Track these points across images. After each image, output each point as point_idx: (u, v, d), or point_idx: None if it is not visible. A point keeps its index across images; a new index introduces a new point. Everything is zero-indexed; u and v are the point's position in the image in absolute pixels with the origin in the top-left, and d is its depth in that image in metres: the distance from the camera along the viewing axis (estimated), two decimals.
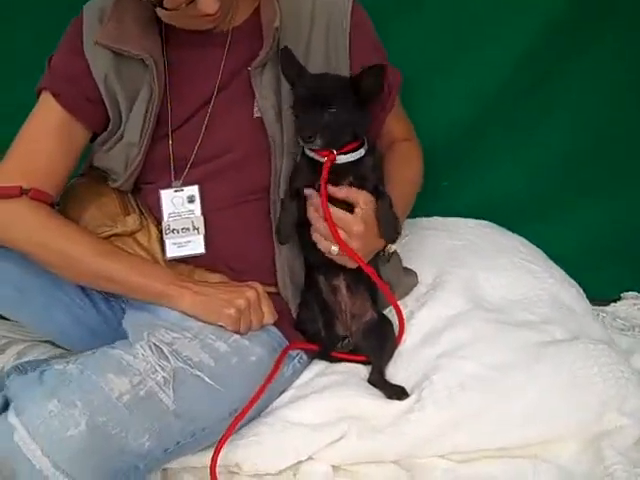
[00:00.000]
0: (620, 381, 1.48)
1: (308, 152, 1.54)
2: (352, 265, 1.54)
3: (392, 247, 1.60)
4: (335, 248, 1.52)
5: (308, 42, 1.60)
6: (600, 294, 1.93)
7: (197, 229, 1.60)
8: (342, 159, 1.51)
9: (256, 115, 1.59)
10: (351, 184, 1.52)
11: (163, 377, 1.34)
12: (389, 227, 1.54)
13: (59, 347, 1.76)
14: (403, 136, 1.79)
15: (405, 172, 1.71)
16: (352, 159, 1.52)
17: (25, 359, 1.73)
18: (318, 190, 1.51)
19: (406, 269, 1.76)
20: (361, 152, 1.53)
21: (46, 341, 1.79)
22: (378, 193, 1.53)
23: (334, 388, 1.54)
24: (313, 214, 1.53)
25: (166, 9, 1.43)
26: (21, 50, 2.00)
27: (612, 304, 2.06)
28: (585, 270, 1.87)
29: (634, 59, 1.97)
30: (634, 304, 2.06)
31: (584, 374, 1.49)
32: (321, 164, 1.50)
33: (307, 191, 1.54)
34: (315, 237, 1.54)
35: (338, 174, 1.51)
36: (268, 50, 1.54)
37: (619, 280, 2.11)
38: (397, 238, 1.56)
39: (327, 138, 1.47)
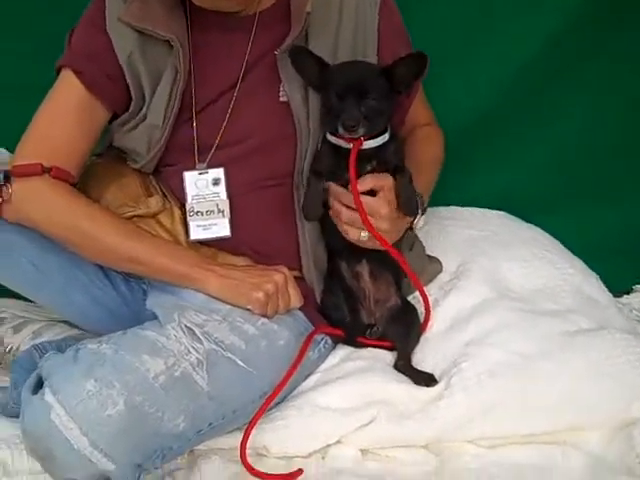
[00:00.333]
0: None
1: (330, 138, 1.54)
2: (381, 247, 1.53)
3: (419, 223, 1.59)
4: (365, 234, 1.51)
5: (338, 27, 1.59)
6: (612, 286, 1.93)
7: (222, 212, 1.58)
8: (368, 144, 1.51)
9: (282, 99, 1.57)
10: (373, 169, 1.52)
11: (197, 358, 1.34)
12: (409, 201, 1.53)
13: (75, 327, 1.74)
14: (425, 121, 1.80)
15: (427, 150, 1.73)
16: (377, 144, 1.52)
17: (41, 339, 1.72)
18: (342, 180, 1.51)
19: (430, 256, 1.76)
20: (385, 137, 1.53)
21: (62, 321, 1.77)
22: (398, 169, 1.53)
23: (361, 373, 1.54)
24: (338, 205, 1.52)
25: None
26: (37, 25, 1.95)
27: (625, 296, 2.08)
28: (597, 262, 1.88)
29: None
30: None
31: (612, 363, 1.50)
32: (345, 150, 1.50)
33: (334, 188, 1.52)
34: (343, 227, 1.53)
35: (362, 159, 1.50)
36: (297, 34, 1.52)
37: (631, 272, 2.13)
38: (417, 212, 1.55)
39: (368, 126, 1.47)
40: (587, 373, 1.49)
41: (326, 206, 1.55)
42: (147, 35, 1.52)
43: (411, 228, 1.61)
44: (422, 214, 1.59)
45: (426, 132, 1.78)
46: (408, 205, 1.52)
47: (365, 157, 1.51)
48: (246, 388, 1.40)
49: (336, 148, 1.53)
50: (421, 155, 1.70)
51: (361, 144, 1.49)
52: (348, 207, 1.50)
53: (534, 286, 1.72)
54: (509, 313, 1.61)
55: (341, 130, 1.47)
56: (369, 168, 1.52)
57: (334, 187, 1.52)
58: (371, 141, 1.51)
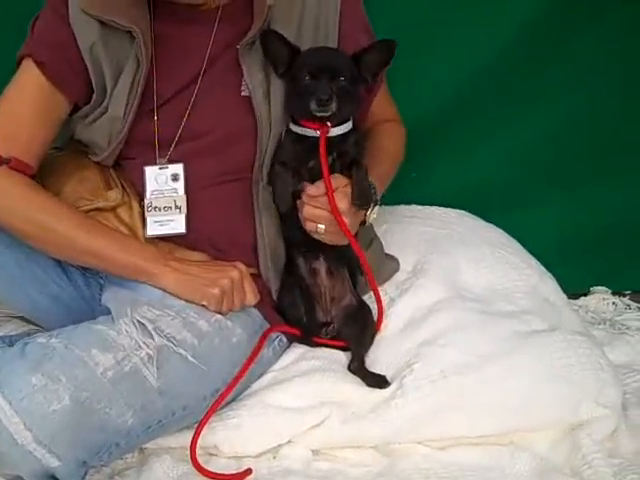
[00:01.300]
0: (598, 372, 1.51)
1: (295, 128, 1.54)
2: (341, 242, 1.55)
3: (372, 216, 1.60)
4: (322, 226, 1.52)
5: (299, 22, 1.58)
6: (570, 288, 1.95)
7: (179, 208, 1.58)
8: (334, 132, 1.52)
9: (243, 93, 1.57)
10: (334, 161, 1.53)
11: (147, 354, 1.34)
12: (363, 194, 1.54)
13: (31, 323, 1.73)
14: (388, 117, 1.80)
15: (387, 144, 1.73)
16: (342, 132, 1.54)
17: None
18: (305, 169, 1.52)
19: (387, 255, 1.76)
20: (349, 125, 1.55)
21: (18, 317, 1.75)
22: (355, 162, 1.55)
23: (315, 373, 1.54)
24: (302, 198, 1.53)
25: None
26: None
27: (582, 298, 2.10)
28: (556, 264, 1.89)
29: (618, 53, 2.00)
30: (603, 298, 2.10)
31: (563, 364, 1.51)
32: (310, 138, 1.51)
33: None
34: (302, 218, 1.54)
35: (325, 149, 1.51)
36: (259, 28, 1.52)
37: (589, 275, 2.15)
38: (370, 205, 1.56)
39: (338, 107, 1.48)
40: (537, 375, 1.50)
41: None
42: (109, 26, 1.51)
43: (364, 222, 1.60)
44: (374, 206, 1.59)
45: (388, 128, 1.79)
46: (361, 198, 1.53)
47: (327, 147, 1.51)
48: (197, 385, 1.40)
49: (300, 138, 1.54)
50: (380, 148, 1.71)
51: (328, 131, 1.50)
52: (310, 199, 1.51)
53: (490, 286, 1.73)
54: (464, 313, 1.62)
55: (314, 107, 1.48)
56: (330, 160, 1.52)
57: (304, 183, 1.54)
58: (336, 129, 1.52)
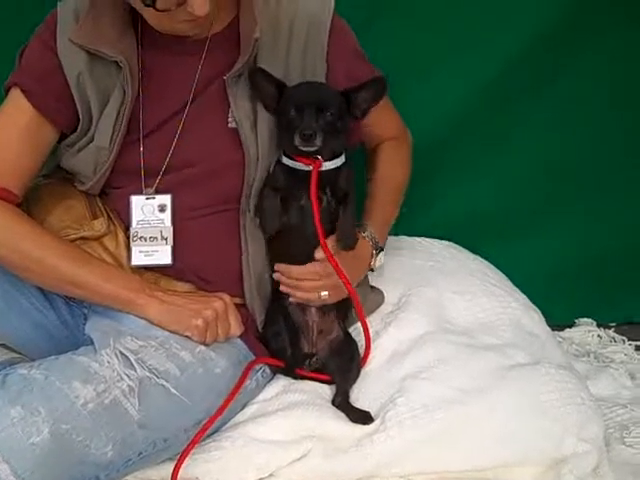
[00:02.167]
0: (580, 407, 1.51)
1: (287, 162, 1.55)
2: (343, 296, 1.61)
3: (377, 263, 1.65)
4: (325, 292, 1.57)
5: (287, 54, 1.60)
6: (555, 320, 1.96)
7: (165, 239, 1.58)
8: (326, 165, 1.53)
9: (230, 125, 1.57)
10: (328, 200, 1.55)
11: (128, 386, 1.33)
12: (345, 235, 1.56)
13: (13, 351, 1.71)
14: (391, 134, 1.80)
15: (390, 175, 1.75)
16: (334, 166, 1.54)
17: None
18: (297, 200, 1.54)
19: (372, 287, 1.76)
20: (342, 159, 1.56)
21: (0, 344, 1.73)
22: (345, 199, 1.56)
23: (299, 407, 1.54)
24: (292, 282, 1.58)
25: (157, 10, 1.40)
26: None
27: (567, 330, 2.11)
28: (542, 295, 1.90)
29: (610, 80, 2.03)
30: (588, 330, 2.11)
31: (545, 399, 1.51)
32: (301, 172, 1.52)
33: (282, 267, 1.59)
34: (302, 296, 1.59)
35: (317, 185, 1.52)
36: (245, 60, 1.53)
37: (575, 306, 2.16)
38: (353, 247, 1.57)
39: (324, 141, 1.48)
40: (520, 409, 1.50)
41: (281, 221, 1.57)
42: (96, 56, 1.52)
43: (372, 269, 1.66)
44: (379, 251, 1.65)
45: (391, 150, 1.79)
46: (343, 239, 1.55)
47: (320, 183, 1.52)
48: (179, 416, 1.39)
49: (290, 171, 1.54)
50: (381, 188, 1.73)
51: (320, 165, 1.51)
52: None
53: (475, 319, 1.73)
54: (447, 346, 1.62)
55: (297, 141, 1.48)
56: (324, 199, 1.54)
57: (283, 267, 1.57)
58: (329, 162, 1.53)
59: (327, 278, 1.57)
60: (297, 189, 1.53)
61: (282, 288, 1.59)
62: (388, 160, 1.77)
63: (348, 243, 1.56)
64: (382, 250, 1.68)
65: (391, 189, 1.76)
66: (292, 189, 1.54)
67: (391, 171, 1.77)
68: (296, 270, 1.57)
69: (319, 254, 1.56)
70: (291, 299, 1.60)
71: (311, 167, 1.51)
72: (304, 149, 1.50)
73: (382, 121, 1.73)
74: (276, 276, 1.60)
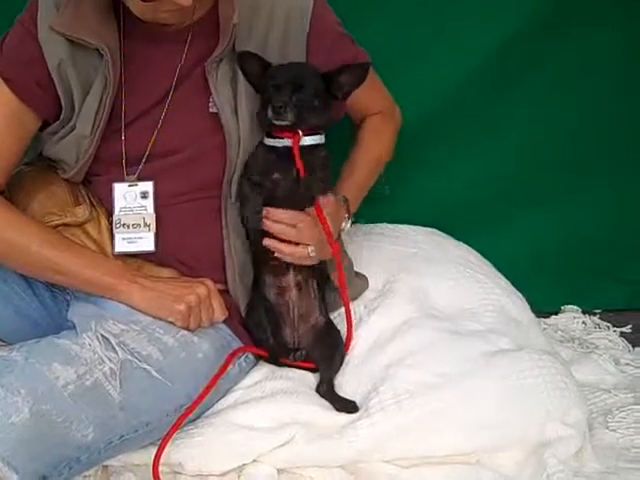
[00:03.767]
0: (564, 392, 1.51)
1: (268, 141, 1.56)
2: (327, 257, 1.61)
3: (347, 227, 1.65)
4: (312, 248, 1.56)
5: (265, 37, 1.60)
6: (541, 307, 1.96)
7: (148, 226, 1.58)
8: (306, 140, 1.54)
9: (211, 110, 1.57)
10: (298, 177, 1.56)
11: (110, 368, 1.33)
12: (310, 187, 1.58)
13: None
14: (376, 109, 1.81)
15: (369, 149, 1.77)
16: (315, 142, 1.56)
17: None
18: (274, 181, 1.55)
19: (357, 273, 1.76)
20: (322, 138, 1.58)
21: None
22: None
23: (282, 394, 1.54)
24: (278, 227, 1.56)
25: (143, 0, 1.40)
26: None
27: (553, 316, 2.12)
28: (527, 282, 1.90)
29: (601, 70, 2.04)
30: (574, 317, 2.12)
31: (529, 384, 1.51)
32: (281, 149, 1.54)
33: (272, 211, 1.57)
34: (285, 250, 1.57)
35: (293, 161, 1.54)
36: (225, 46, 1.53)
37: (560, 293, 2.17)
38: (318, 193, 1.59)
39: (297, 116, 1.51)
40: (503, 394, 1.50)
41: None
42: (78, 44, 1.52)
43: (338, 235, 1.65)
44: (349, 218, 1.65)
45: (376, 123, 1.81)
46: (309, 188, 1.57)
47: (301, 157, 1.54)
48: (161, 400, 1.39)
49: (270, 150, 1.56)
50: (359, 155, 1.76)
51: (300, 139, 1.53)
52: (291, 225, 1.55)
53: (458, 305, 1.73)
54: (431, 333, 1.62)
55: (270, 114, 1.50)
56: (294, 171, 1.55)
57: (273, 210, 1.56)
58: (308, 137, 1.55)
59: (313, 228, 1.56)
60: (273, 168, 1.55)
61: (268, 242, 1.57)
62: (371, 131, 1.79)
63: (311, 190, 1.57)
64: (351, 216, 1.67)
65: (370, 159, 1.78)
66: (268, 169, 1.56)
67: (372, 142, 1.79)
68: (285, 213, 1.56)
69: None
70: (277, 255, 1.58)
71: (290, 141, 1.53)
72: (276, 122, 1.52)
73: (366, 97, 1.73)
74: (267, 224, 1.56)
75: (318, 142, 1.57)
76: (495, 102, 2.07)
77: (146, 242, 1.58)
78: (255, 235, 1.60)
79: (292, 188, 1.56)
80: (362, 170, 1.75)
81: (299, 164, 1.53)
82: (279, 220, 1.56)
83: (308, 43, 1.61)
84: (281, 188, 1.56)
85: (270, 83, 1.53)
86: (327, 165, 1.60)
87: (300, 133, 1.53)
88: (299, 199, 1.57)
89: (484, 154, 2.11)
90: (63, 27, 1.51)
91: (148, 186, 1.58)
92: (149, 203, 1.58)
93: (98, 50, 1.51)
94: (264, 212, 1.56)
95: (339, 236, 1.64)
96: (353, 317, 1.66)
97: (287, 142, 1.54)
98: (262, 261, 1.63)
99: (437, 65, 2.02)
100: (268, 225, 1.56)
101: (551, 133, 2.09)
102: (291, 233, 1.56)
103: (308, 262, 1.59)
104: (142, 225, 1.57)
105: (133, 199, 1.58)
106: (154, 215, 1.58)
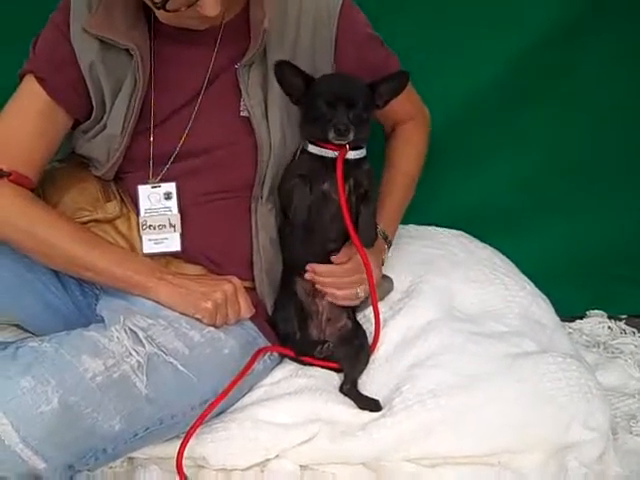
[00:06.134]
0: (587, 395, 1.50)
1: (312, 149, 1.58)
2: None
3: (387, 256, 1.70)
4: (361, 289, 1.62)
5: (295, 41, 1.61)
6: (566, 311, 1.95)
7: (173, 226, 1.60)
8: (351, 155, 1.56)
9: (242, 114, 1.59)
10: (349, 191, 1.58)
11: (137, 361, 1.35)
12: (367, 232, 1.59)
13: (27, 331, 1.73)
14: (407, 116, 1.82)
15: (404, 166, 1.79)
16: (359, 156, 1.58)
17: None
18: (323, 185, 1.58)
19: (383, 275, 1.77)
20: (363, 152, 1.60)
21: (14, 325, 1.76)
22: (366, 199, 1.60)
23: (306, 392, 1.55)
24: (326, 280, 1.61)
25: (167, 11, 1.42)
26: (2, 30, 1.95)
27: (578, 321, 2.11)
28: (552, 286, 1.89)
29: (618, 81, 2.04)
30: (599, 322, 2.11)
31: (552, 387, 1.51)
32: (328, 159, 1.56)
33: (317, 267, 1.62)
34: (337, 294, 1.63)
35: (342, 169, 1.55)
36: (256, 50, 1.55)
37: (586, 298, 2.16)
38: (372, 244, 1.61)
39: (355, 134, 1.52)
40: (526, 396, 1.49)
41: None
42: (109, 44, 1.54)
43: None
44: (388, 248, 1.71)
45: (406, 132, 1.82)
46: (365, 237, 1.58)
47: (344, 171, 1.55)
48: (186, 394, 1.41)
49: (316, 158, 1.58)
50: (395, 180, 1.77)
51: (347, 152, 1.54)
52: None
53: (483, 307, 1.73)
54: (454, 334, 1.62)
55: (332, 135, 1.52)
56: (347, 188, 1.57)
57: (316, 266, 1.61)
58: (352, 152, 1.56)
59: (359, 273, 1.59)
60: (322, 175, 1.57)
61: (320, 288, 1.62)
62: (405, 142, 1.81)
63: (369, 240, 1.59)
64: (391, 245, 1.72)
65: (404, 185, 1.78)
66: (317, 174, 1.57)
67: (406, 166, 1.80)
68: (331, 269, 1.60)
69: (339, 258, 1.61)
70: (328, 298, 1.63)
71: (337, 153, 1.55)
72: (337, 142, 1.53)
73: (400, 104, 1.72)
74: (309, 276, 1.61)
75: (361, 156, 1.59)
76: (524, 107, 2.07)
77: (172, 242, 1.60)
78: (288, 237, 1.63)
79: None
80: (399, 193, 1.76)
81: (340, 179, 1.53)
82: (327, 276, 1.60)
83: (337, 47, 1.63)
84: (332, 201, 1.57)
85: (321, 100, 1.53)
86: (372, 178, 1.62)
87: (347, 146, 1.55)
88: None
89: (511, 159, 2.11)
90: (95, 28, 1.53)
91: (171, 187, 1.60)
92: (173, 204, 1.60)
93: (127, 50, 1.54)
94: (309, 268, 1.60)
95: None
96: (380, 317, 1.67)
97: (332, 153, 1.56)
98: (295, 266, 1.65)
99: (466, 70, 2.02)
100: (318, 281, 1.61)
101: (580, 140, 2.09)
102: (341, 284, 1.61)
103: (356, 302, 1.64)
104: (168, 226, 1.59)
105: (157, 200, 1.60)
106: (179, 216, 1.59)
